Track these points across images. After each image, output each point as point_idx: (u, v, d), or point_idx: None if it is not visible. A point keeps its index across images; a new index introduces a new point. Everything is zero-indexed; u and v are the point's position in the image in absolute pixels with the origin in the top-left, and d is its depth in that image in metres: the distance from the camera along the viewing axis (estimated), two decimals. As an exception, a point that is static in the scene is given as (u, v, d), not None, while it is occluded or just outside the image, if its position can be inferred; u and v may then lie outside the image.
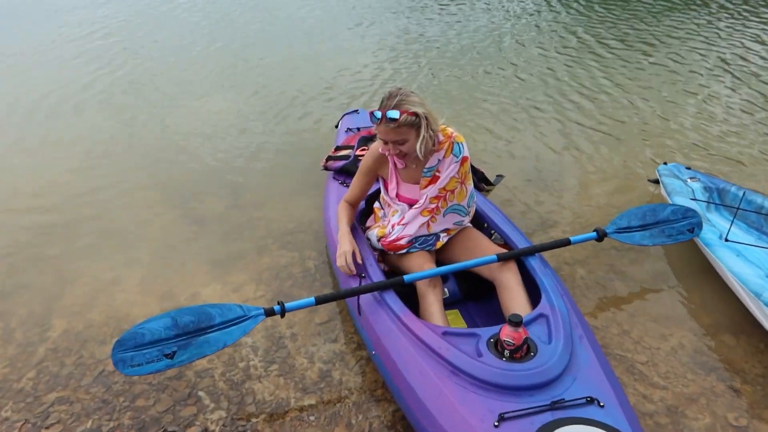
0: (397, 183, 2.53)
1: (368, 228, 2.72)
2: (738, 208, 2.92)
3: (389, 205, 2.63)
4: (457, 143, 2.43)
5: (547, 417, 1.78)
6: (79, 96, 5.41)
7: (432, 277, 2.38)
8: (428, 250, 2.58)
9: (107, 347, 2.55)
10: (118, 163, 4.20)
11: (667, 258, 3.03)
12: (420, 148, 2.29)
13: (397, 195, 2.55)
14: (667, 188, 3.17)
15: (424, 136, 2.29)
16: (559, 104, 4.88)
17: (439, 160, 2.42)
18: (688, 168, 3.34)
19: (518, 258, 2.46)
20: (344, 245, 2.48)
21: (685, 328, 2.62)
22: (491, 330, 2.09)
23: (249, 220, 3.48)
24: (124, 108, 5.10)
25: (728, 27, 6.62)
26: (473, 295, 2.73)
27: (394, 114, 2.21)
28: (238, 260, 3.14)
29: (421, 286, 2.38)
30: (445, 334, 2.11)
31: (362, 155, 3.32)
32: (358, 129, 3.79)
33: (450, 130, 2.44)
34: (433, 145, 2.37)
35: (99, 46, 6.78)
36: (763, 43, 6.10)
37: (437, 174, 2.43)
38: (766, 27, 6.58)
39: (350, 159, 3.31)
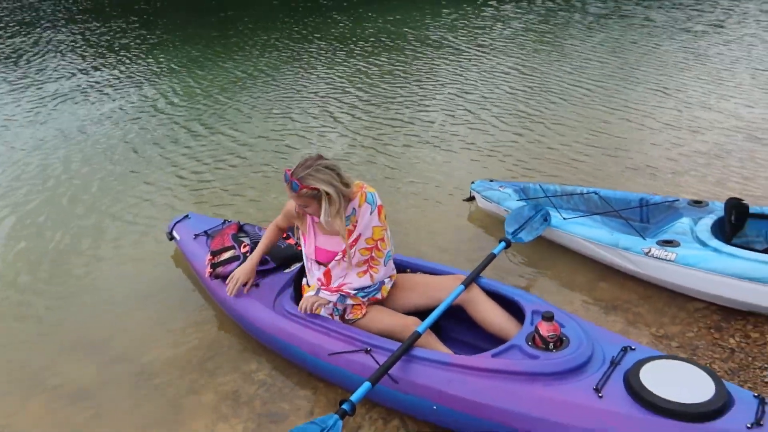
0: (315, 235, 2.65)
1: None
2: (548, 197, 3.87)
3: (310, 270, 2.73)
4: (369, 192, 2.63)
5: (627, 365, 2.20)
6: None
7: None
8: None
9: None
10: None
11: (514, 250, 3.75)
12: (323, 217, 2.47)
13: (315, 249, 2.64)
14: (494, 199, 3.92)
15: (326, 208, 2.46)
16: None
17: (354, 209, 2.57)
18: (492, 180, 4.19)
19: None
20: (246, 270, 2.90)
21: (597, 299, 3.22)
22: (518, 339, 2.37)
23: (146, 368, 2.86)
24: None
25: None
26: None
27: (295, 186, 2.43)
28: (178, 413, 2.60)
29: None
30: (494, 355, 2.32)
31: (246, 251, 3.17)
32: (206, 232, 3.53)
33: (360, 182, 2.64)
34: (342, 208, 2.50)
35: None
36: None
37: (354, 223, 2.56)
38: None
39: (241, 259, 3.11)
